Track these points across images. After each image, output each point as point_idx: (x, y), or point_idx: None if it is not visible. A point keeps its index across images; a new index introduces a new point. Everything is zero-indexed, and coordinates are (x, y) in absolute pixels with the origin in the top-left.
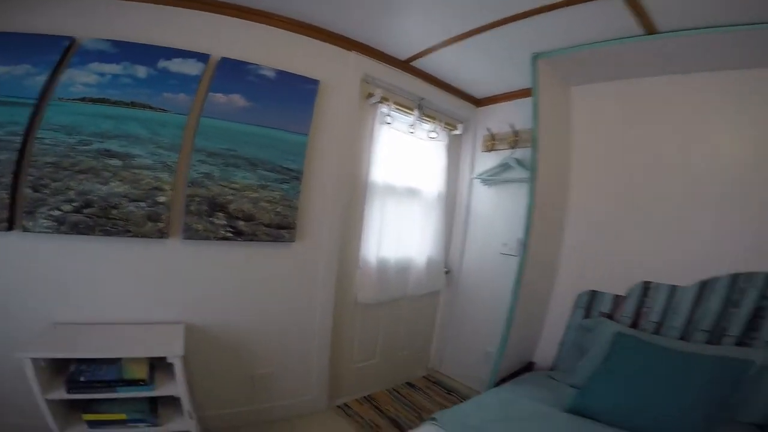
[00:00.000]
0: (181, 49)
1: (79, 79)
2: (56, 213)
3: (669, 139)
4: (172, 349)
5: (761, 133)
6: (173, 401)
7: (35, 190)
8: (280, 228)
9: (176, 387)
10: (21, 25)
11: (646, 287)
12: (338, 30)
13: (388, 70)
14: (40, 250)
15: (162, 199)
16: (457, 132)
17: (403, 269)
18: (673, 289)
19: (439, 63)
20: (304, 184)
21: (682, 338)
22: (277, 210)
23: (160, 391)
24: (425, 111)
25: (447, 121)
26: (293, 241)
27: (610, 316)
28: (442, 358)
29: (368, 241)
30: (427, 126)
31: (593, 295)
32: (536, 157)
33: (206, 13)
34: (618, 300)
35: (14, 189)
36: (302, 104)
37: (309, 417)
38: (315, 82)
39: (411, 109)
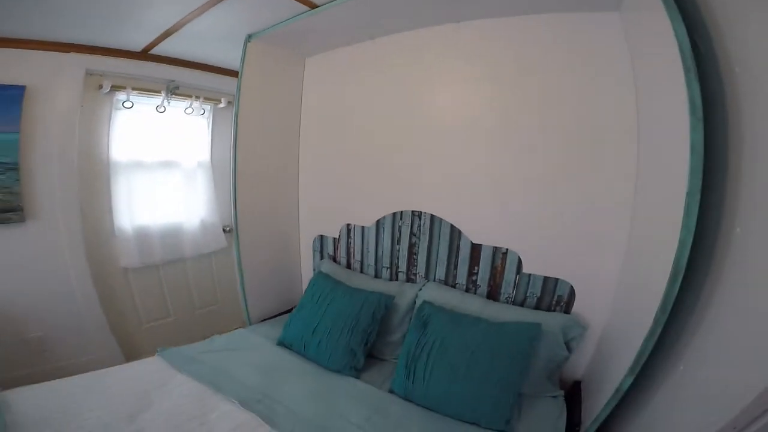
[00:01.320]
0: None
1: None
2: None
3: (366, 99)
4: None
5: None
6: None
7: None
8: (6, 212)
9: None
10: None
11: (348, 229)
12: (52, 38)
13: (120, 62)
14: None
15: None
16: (221, 105)
17: (172, 233)
18: (363, 229)
19: (181, 46)
20: (25, 173)
21: (376, 275)
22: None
23: None
24: (180, 90)
25: (207, 96)
26: (21, 222)
27: (333, 258)
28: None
29: (119, 212)
30: (183, 104)
31: (322, 239)
32: (237, 131)
33: None
34: (336, 243)
35: None
36: (6, 108)
37: None
38: (20, 88)
39: (158, 92)
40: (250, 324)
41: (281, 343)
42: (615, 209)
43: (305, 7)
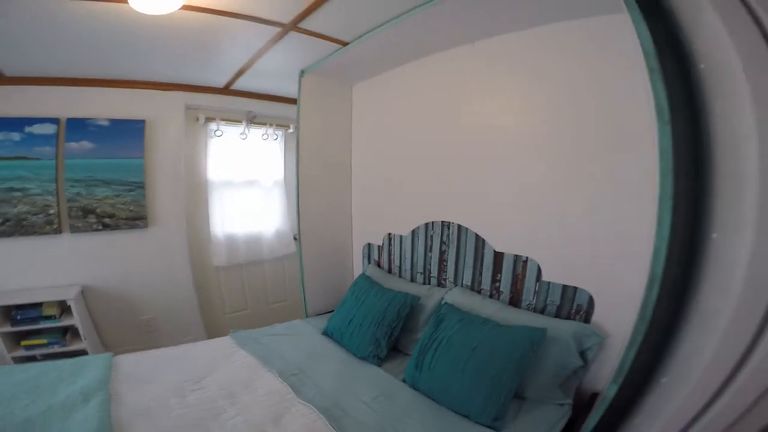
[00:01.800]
0: (39, 117)
1: None
2: None
3: (400, 120)
4: (68, 296)
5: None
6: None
7: None
8: (136, 219)
9: (75, 320)
10: None
11: (390, 238)
12: (161, 79)
13: (210, 97)
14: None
15: (52, 211)
16: (290, 130)
17: (253, 239)
18: (401, 238)
19: (253, 82)
20: (149, 189)
21: (411, 279)
22: (131, 209)
23: (64, 322)
24: (257, 119)
25: (279, 123)
26: (145, 228)
27: (378, 263)
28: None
29: (214, 221)
30: (259, 131)
31: (369, 246)
32: (298, 153)
33: (52, 87)
34: (380, 250)
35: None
36: (134, 138)
37: None
38: (141, 122)
39: (240, 121)
40: (307, 317)
41: (325, 333)
42: (637, 218)
43: (339, 45)
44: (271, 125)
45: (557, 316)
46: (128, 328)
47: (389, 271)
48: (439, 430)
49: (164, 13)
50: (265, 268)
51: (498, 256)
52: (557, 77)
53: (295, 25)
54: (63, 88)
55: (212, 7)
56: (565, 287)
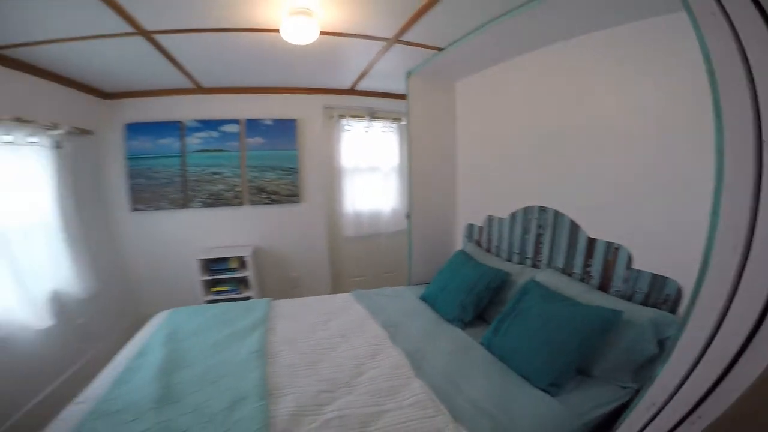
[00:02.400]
0: (227, 119)
1: (192, 141)
2: (200, 199)
3: (501, 111)
4: (245, 253)
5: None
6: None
7: (191, 191)
8: (292, 196)
9: (247, 272)
10: (156, 116)
11: (490, 219)
12: (305, 85)
13: (340, 97)
14: (195, 215)
15: (238, 189)
16: (404, 123)
17: (374, 216)
18: (501, 220)
19: (373, 82)
20: (301, 173)
21: (507, 259)
22: (289, 188)
23: (240, 274)
24: (377, 114)
25: (394, 117)
26: (299, 203)
27: (478, 242)
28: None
29: (345, 200)
30: (378, 124)
31: (471, 227)
32: (411, 144)
33: (234, 95)
34: (480, 230)
35: (183, 191)
36: (290, 134)
37: None
38: (293, 120)
39: (363, 117)
40: (410, 285)
41: (422, 298)
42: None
43: (435, 51)
44: (388, 119)
45: (644, 303)
46: (281, 281)
47: (488, 250)
48: (499, 384)
49: (306, 43)
50: (381, 242)
51: (591, 242)
52: (658, 71)
53: (397, 39)
54: (241, 95)
55: (337, 31)
56: (654, 276)
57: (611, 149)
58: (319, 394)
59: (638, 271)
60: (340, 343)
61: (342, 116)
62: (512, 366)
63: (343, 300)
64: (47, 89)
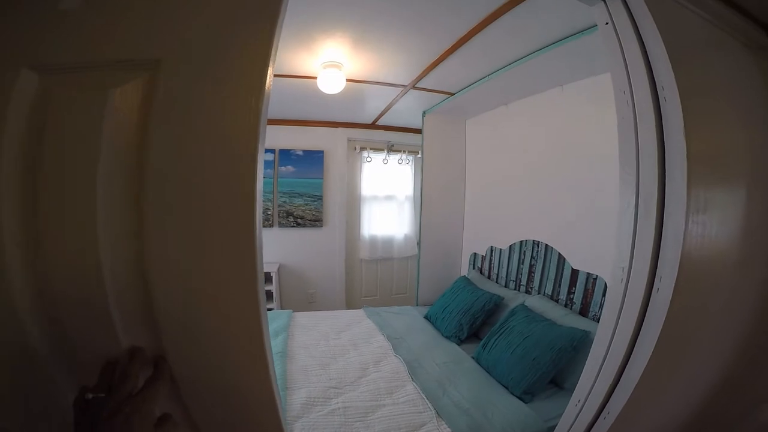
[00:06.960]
0: (266, 148)
1: None
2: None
3: (503, 149)
4: (272, 269)
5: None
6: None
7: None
8: (315, 221)
9: (271, 286)
10: None
11: (491, 249)
12: (332, 119)
13: (362, 131)
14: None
15: (269, 212)
16: (419, 156)
17: (388, 241)
18: (500, 250)
19: (392, 119)
20: (325, 200)
21: (504, 285)
22: (314, 213)
23: (266, 288)
24: (395, 147)
25: (410, 150)
26: (321, 227)
27: (480, 270)
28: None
29: (363, 226)
30: (395, 156)
31: (475, 255)
32: (423, 177)
33: (271, 126)
34: (483, 259)
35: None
36: (317, 164)
37: None
38: (321, 151)
39: (382, 150)
40: (417, 305)
41: (425, 317)
42: None
43: (447, 95)
44: (404, 151)
45: None
46: (300, 295)
47: (488, 277)
48: (480, 390)
49: (336, 92)
50: (393, 265)
51: (574, 272)
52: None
53: (413, 86)
54: (277, 126)
55: (362, 79)
56: None
57: (593, 188)
58: (328, 389)
59: None
60: (349, 350)
61: (363, 148)
62: (495, 376)
63: (354, 315)
64: None
